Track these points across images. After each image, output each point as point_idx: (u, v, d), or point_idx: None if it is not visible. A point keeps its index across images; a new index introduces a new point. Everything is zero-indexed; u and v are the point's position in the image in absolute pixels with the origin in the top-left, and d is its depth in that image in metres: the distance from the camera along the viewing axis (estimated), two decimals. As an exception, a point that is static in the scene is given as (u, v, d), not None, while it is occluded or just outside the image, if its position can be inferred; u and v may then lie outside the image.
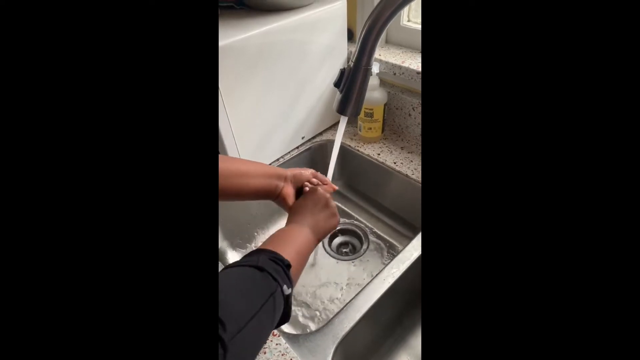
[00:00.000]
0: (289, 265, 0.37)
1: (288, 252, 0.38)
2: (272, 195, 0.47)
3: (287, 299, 0.36)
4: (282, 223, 0.78)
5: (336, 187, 0.51)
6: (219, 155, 0.44)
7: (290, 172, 0.48)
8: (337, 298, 0.64)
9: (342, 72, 0.44)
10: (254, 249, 0.39)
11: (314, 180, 0.49)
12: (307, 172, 0.50)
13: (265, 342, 0.40)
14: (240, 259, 0.36)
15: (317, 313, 0.62)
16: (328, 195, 0.48)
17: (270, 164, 0.71)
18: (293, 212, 0.46)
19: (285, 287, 0.35)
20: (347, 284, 0.66)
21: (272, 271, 0.34)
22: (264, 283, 0.33)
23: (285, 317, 0.36)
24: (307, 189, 0.48)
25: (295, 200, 0.48)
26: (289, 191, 0.48)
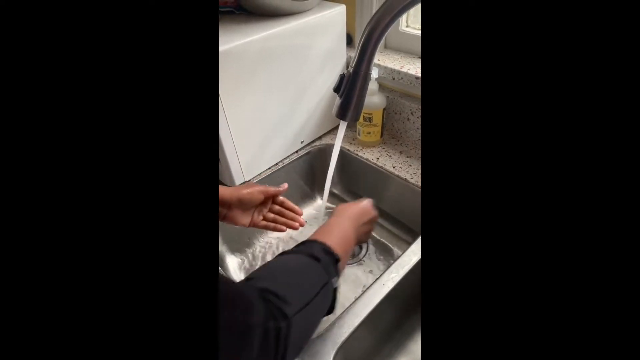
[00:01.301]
0: (338, 260, 0.38)
1: (337, 246, 0.40)
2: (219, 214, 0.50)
3: (334, 292, 0.37)
4: (281, 227, 0.78)
5: (304, 223, 0.56)
6: None
7: (237, 196, 0.50)
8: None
9: (342, 77, 0.44)
10: (290, 249, 0.40)
11: (369, 202, 0.53)
12: (256, 193, 0.51)
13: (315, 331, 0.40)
14: (295, 247, 0.38)
15: (316, 318, 0.62)
16: (376, 216, 0.54)
17: (269, 168, 0.71)
18: (343, 208, 0.51)
19: (334, 280, 0.36)
20: (346, 289, 0.66)
21: (325, 263, 0.36)
22: (319, 273, 0.35)
23: (331, 308, 0.37)
24: (365, 201, 0.53)
25: (347, 203, 0.52)
26: (235, 215, 0.50)
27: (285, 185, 0.55)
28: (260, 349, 0.26)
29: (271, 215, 0.55)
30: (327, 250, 0.38)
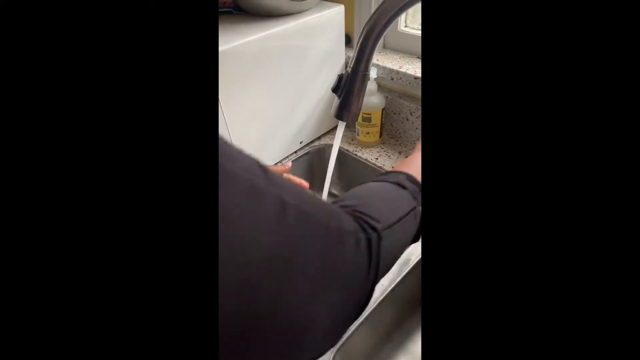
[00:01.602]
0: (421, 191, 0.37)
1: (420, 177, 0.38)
2: None
3: (421, 220, 0.36)
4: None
5: None
6: None
7: None
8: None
9: (340, 77, 0.44)
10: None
11: None
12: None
13: (404, 252, 0.39)
14: (378, 177, 0.37)
15: (316, 318, 0.62)
16: None
17: (268, 169, 0.71)
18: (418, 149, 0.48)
19: (420, 208, 0.35)
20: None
21: (412, 191, 0.35)
22: (406, 198, 0.34)
23: (417, 237, 0.36)
24: None
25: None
26: None
27: (289, 164, 0.55)
28: (355, 254, 0.25)
29: None
30: (413, 180, 0.37)
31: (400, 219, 0.31)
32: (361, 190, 0.35)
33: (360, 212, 0.29)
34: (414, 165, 0.42)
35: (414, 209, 0.34)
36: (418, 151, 0.47)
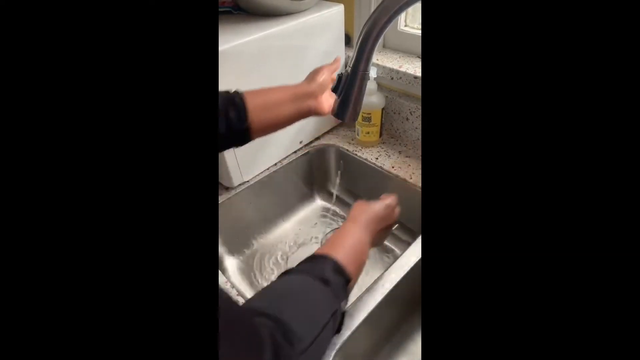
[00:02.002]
0: (349, 280, 0.35)
1: (350, 262, 0.37)
2: (308, 115, 0.46)
3: (342, 315, 0.35)
4: (281, 228, 0.78)
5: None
6: (246, 92, 0.42)
7: (314, 84, 0.46)
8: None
9: (340, 77, 0.44)
10: (314, 253, 0.38)
11: (392, 202, 0.50)
12: (326, 71, 0.48)
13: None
14: (304, 265, 0.35)
15: (316, 319, 0.61)
16: (395, 221, 0.50)
17: (268, 168, 0.71)
18: (362, 211, 0.46)
19: (343, 303, 0.34)
20: (345, 289, 0.65)
21: (336, 287, 0.33)
22: (328, 300, 0.32)
23: (338, 330, 0.35)
24: (388, 201, 0.49)
25: (366, 202, 0.48)
26: (323, 101, 0.46)
27: (339, 57, 0.53)
28: None
29: None
30: (338, 269, 0.35)
31: (320, 332, 0.30)
32: (282, 291, 0.32)
33: (280, 331, 0.27)
34: (347, 244, 0.40)
35: (335, 312, 0.32)
36: (352, 222, 0.45)
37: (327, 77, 0.48)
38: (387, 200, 0.49)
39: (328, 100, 0.47)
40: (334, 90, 0.45)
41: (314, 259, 0.37)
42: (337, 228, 0.47)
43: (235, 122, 0.40)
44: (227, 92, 0.42)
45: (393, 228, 0.51)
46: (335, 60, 0.51)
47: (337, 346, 0.42)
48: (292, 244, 0.75)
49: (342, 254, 0.37)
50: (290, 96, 0.45)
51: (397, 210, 0.51)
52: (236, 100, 0.41)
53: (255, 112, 0.41)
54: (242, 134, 0.41)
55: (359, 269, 0.40)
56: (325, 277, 0.33)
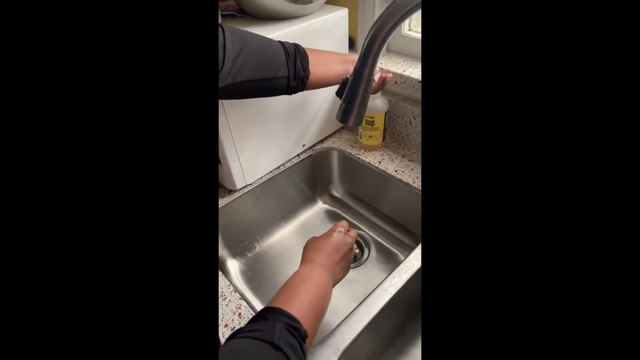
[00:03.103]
0: (305, 338, 0.32)
1: (308, 310, 0.35)
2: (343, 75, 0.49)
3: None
4: (284, 230, 0.78)
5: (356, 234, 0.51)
6: (308, 49, 0.47)
7: (353, 55, 0.51)
8: (338, 308, 0.63)
9: (345, 81, 0.44)
10: (266, 306, 0.35)
11: (341, 228, 0.49)
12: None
13: None
14: (252, 326, 0.31)
15: (318, 323, 0.61)
16: (352, 243, 0.48)
17: (271, 172, 0.71)
18: (312, 249, 0.45)
19: None
20: (348, 294, 0.65)
21: (289, 350, 0.29)
22: None
23: None
24: (337, 228, 0.48)
25: (315, 239, 0.48)
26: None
27: (388, 76, 0.58)
28: None
29: None
30: (292, 327, 0.31)
31: None
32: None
33: None
34: (303, 291, 0.37)
35: None
36: (308, 263, 0.43)
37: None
38: (337, 228, 0.49)
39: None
40: (339, 94, 0.45)
41: (265, 314, 0.33)
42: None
43: (300, 69, 0.45)
44: (289, 43, 0.46)
45: (354, 251, 0.50)
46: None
47: (341, 351, 0.42)
48: (294, 247, 0.75)
49: (298, 304, 0.35)
50: (339, 58, 0.51)
51: (352, 233, 0.50)
52: (300, 49, 0.46)
53: (313, 64, 0.46)
54: (303, 80, 0.46)
55: (319, 316, 0.38)
56: (276, 340, 0.29)
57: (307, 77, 0.46)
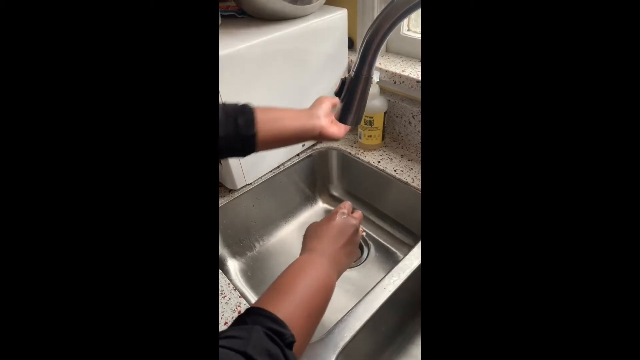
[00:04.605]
0: (291, 343, 0.28)
1: (301, 309, 0.31)
2: (312, 133, 0.47)
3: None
4: (284, 230, 0.78)
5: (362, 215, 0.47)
6: (258, 108, 0.43)
7: (319, 108, 0.48)
8: (337, 306, 0.63)
9: (343, 81, 0.44)
10: (250, 306, 0.31)
11: (344, 209, 0.45)
12: (329, 101, 0.49)
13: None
14: (228, 331, 0.27)
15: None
16: (357, 225, 0.43)
17: (271, 171, 0.71)
18: (312, 236, 0.41)
19: None
20: (347, 292, 0.66)
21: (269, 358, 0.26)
22: None
23: None
24: (337, 216, 0.43)
25: (316, 223, 0.44)
26: (326, 124, 0.47)
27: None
28: None
29: None
30: (274, 331, 0.27)
31: None
32: None
33: None
34: (298, 287, 0.33)
35: None
36: (308, 252, 0.39)
37: (329, 106, 0.50)
38: (339, 210, 0.44)
39: (332, 126, 0.48)
40: (337, 94, 0.45)
41: (245, 317, 0.30)
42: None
43: (243, 128, 0.41)
44: (236, 104, 0.43)
45: (361, 234, 0.45)
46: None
47: (339, 349, 0.42)
48: (294, 246, 0.75)
49: (288, 303, 0.31)
50: (296, 114, 0.47)
51: (357, 214, 0.45)
52: (246, 109, 0.42)
53: (263, 122, 0.42)
54: (248, 140, 0.42)
55: (316, 314, 0.34)
56: (250, 350, 0.25)
57: (253, 136, 0.41)
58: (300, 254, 0.40)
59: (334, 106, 0.50)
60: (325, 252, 0.39)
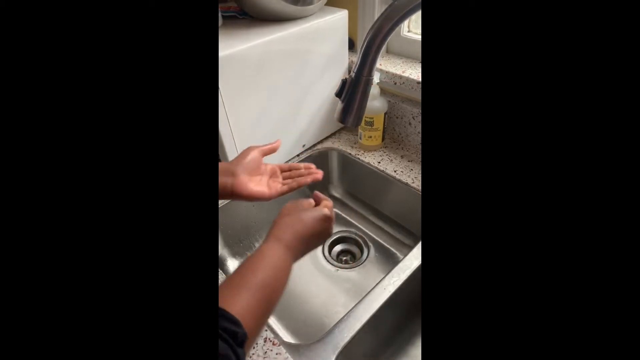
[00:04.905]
0: (243, 342, 0.28)
1: (255, 304, 0.31)
2: (224, 193, 0.42)
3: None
4: (282, 230, 0.78)
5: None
6: None
7: (236, 163, 0.43)
8: (337, 307, 0.63)
9: (344, 82, 0.44)
10: None
11: (329, 211, 0.42)
12: (252, 152, 0.44)
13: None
14: None
15: (317, 322, 0.62)
16: (328, 213, 0.41)
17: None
18: (289, 226, 0.39)
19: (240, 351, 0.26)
20: (347, 293, 0.66)
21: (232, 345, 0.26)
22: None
23: None
24: (325, 210, 0.42)
25: (296, 210, 0.41)
26: (243, 181, 0.42)
27: (279, 141, 0.48)
28: None
29: (288, 179, 0.48)
30: (227, 331, 0.27)
31: None
32: None
33: None
34: (256, 285, 0.32)
35: None
36: (275, 243, 0.37)
37: (256, 158, 0.45)
38: (324, 210, 0.41)
39: (250, 182, 0.43)
40: (338, 95, 0.45)
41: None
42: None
43: None
44: None
45: (330, 228, 0.43)
46: (274, 143, 0.48)
47: (339, 349, 0.43)
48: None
49: (245, 299, 0.31)
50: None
51: (330, 208, 0.43)
52: None
53: None
54: None
55: (269, 307, 0.34)
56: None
57: None
58: (267, 239, 0.38)
59: (264, 155, 0.46)
60: (290, 246, 0.37)
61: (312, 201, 0.44)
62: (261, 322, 0.32)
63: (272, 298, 0.34)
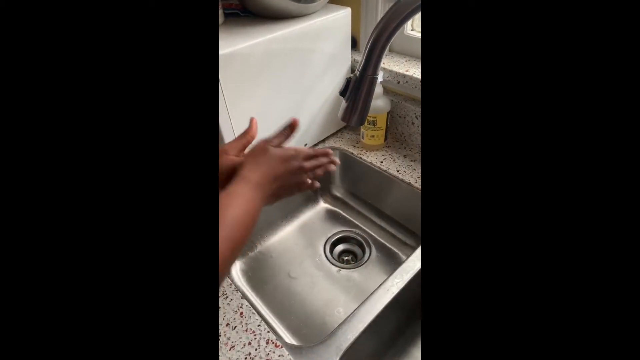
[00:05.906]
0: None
1: (226, 239, 0.31)
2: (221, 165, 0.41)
3: None
4: (285, 230, 0.78)
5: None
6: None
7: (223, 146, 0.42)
8: (339, 308, 0.63)
9: (348, 81, 0.44)
10: None
11: (299, 153, 0.42)
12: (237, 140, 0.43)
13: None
14: None
15: (319, 322, 0.61)
16: (301, 163, 0.41)
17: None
18: (252, 163, 0.39)
19: None
20: (348, 293, 0.65)
21: None
22: None
23: None
24: (304, 150, 0.42)
25: (264, 147, 0.41)
26: (232, 161, 0.41)
27: (254, 120, 0.46)
28: None
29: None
30: None
31: None
32: None
33: None
34: (225, 229, 0.32)
35: None
36: (243, 183, 0.36)
37: (235, 144, 0.44)
38: (290, 150, 0.41)
39: (235, 163, 0.41)
40: (342, 93, 0.45)
41: None
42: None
43: None
44: None
45: (313, 186, 0.42)
46: (250, 127, 0.46)
47: (342, 351, 0.42)
48: (295, 246, 0.75)
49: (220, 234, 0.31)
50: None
51: (304, 152, 0.42)
52: None
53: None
54: None
55: (239, 248, 0.34)
56: None
57: None
58: (235, 180, 0.37)
59: (240, 150, 0.45)
60: (258, 184, 0.37)
61: (280, 136, 0.44)
62: (231, 260, 0.32)
63: (238, 239, 0.33)
